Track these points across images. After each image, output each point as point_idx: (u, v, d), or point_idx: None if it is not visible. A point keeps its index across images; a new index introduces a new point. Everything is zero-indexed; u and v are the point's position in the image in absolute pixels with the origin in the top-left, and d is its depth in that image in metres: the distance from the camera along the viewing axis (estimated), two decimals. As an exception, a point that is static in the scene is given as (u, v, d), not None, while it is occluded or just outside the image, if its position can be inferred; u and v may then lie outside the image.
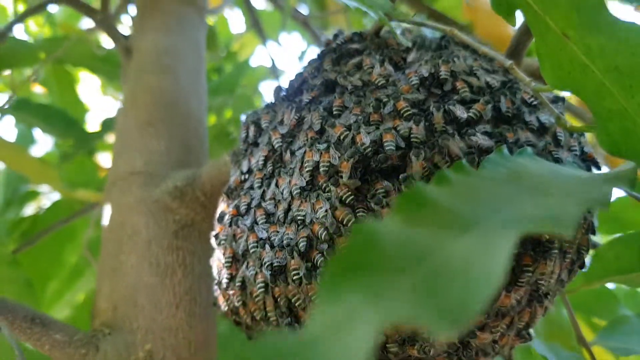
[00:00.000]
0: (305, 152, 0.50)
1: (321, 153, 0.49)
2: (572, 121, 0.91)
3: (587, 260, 0.62)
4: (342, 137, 0.49)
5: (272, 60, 1.57)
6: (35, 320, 0.56)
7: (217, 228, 0.57)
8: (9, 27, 0.95)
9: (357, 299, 0.20)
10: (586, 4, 0.35)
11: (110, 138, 1.54)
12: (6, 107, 1.09)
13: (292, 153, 0.53)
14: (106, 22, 0.95)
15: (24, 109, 1.15)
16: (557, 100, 0.55)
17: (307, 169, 0.49)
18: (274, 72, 1.59)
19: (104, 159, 1.65)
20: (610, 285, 0.98)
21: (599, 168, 0.52)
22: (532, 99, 0.51)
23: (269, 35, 1.66)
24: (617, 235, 0.60)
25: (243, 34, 1.77)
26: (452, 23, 0.93)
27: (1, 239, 1.02)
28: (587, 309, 0.88)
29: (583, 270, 0.64)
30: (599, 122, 0.39)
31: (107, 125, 1.25)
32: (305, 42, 1.70)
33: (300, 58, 1.70)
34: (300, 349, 0.18)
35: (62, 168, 1.21)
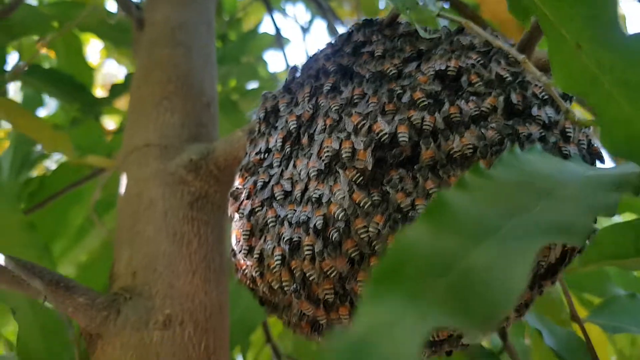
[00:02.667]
0: (324, 138, 0.53)
1: (342, 141, 0.51)
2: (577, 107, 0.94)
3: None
4: (359, 126, 0.51)
5: (277, 29, 1.58)
6: (60, 284, 0.59)
7: (233, 201, 0.60)
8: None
9: (398, 302, 0.22)
10: (600, 21, 0.38)
11: (117, 103, 1.56)
12: (16, 72, 1.11)
13: (310, 137, 0.55)
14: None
15: (33, 75, 1.16)
16: (566, 96, 0.57)
17: (326, 154, 0.52)
18: (278, 41, 1.60)
19: (110, 124, 1.67)
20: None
21: (603, 162, 0.54)
22: (542, 93, 0.53)
23: (274, 5, 1.66)
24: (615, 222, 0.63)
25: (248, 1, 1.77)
26: (461, 4, 0.95)
27: (15, 203, 1.05)
28: (579, 286, 0.92)
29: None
30: (604, 127, 0.41)
31: (116, 90, 1.27)
32: (309, 13, 1.71)
33: (307, 30, 1.70)
34: (352, 349, 0.21)
35: (70, 133, 1.23)
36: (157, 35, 0.86)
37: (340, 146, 0.51)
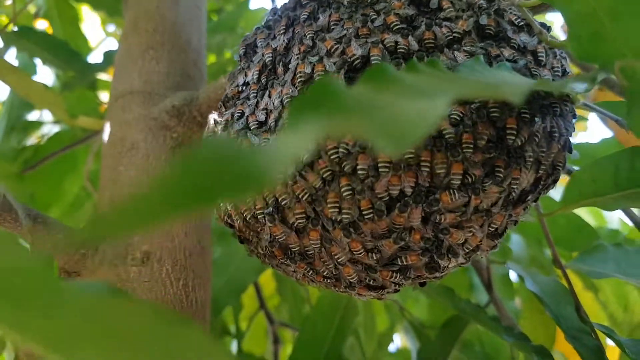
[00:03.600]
0: (297, 64, 0.53)
1: (314, 65, 0.51)
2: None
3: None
4: (332, 50, 0.51)
5: (273, 1, 1.57)
6: (38, 219, 0.59)
7: (210, 131, 0.60)
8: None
9: (313, 128, 0.21)
10: None
11: (111, 77, 1.55)
12: (8, 32, 1.11)
13: (285, 66, 0.55)
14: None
15: (26, 37, 1.16)
16: (544, 26, 0.57)
17: (299, 80, 0.52)
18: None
19: (104, 97, 1.67)
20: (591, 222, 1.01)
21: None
22: (518, 20, 0.53)
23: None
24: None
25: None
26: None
27: (7, 158, 1.05)
28: (568, 244, 0.91)
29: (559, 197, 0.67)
30: (570, 30, 0.41)
31: (109, 57, 1.27)
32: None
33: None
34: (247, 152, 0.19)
35: (64, 98, 1.23)
36: (144, -12, 0.86)
37: (312, 70, 0.51)
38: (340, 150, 0.48)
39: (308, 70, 0.51)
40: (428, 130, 0.21)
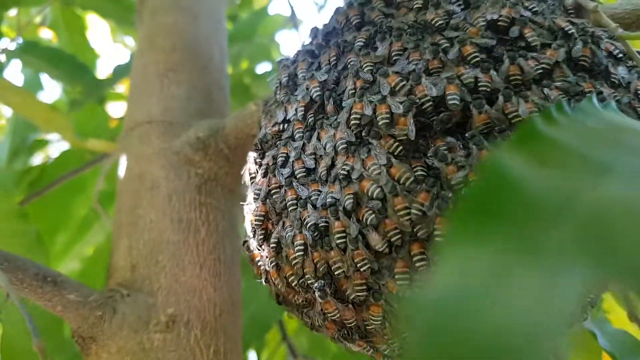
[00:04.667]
0: (353, 102, 0.44)
1: (375, 105, 0.43)
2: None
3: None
4: (397, 88, 0.43)
5: (292, 7, 1.49)
6: (47, 278, 0.51)
7: (249, 177, 0.52)
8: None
9: (509, 253, 0.15)
10: None
11: (121, 87, 1.48)
12: (13, 49, 1.03)
13: (336, 103, 0.46)
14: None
15: (32, 52, 1.08)
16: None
17: (354, 122, 0.43)
18: (292, 21, 1.51)
19: (114, 109, 1.59)
20: None
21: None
22: (616, 50, 0.44)
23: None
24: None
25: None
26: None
27: (9, 190, 0.97)
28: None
29: None
30: None
31: (119, 72, 1.19)
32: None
33: (322, 7, 1.61)
34: (447, 305, 0.14)
35: (71, 116, 1.15)
36: (160, 1, 0.78)
37: (374, 111, 0.43)
38: (413, 211, 0.39)
39: (368, 111, 0.43)
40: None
